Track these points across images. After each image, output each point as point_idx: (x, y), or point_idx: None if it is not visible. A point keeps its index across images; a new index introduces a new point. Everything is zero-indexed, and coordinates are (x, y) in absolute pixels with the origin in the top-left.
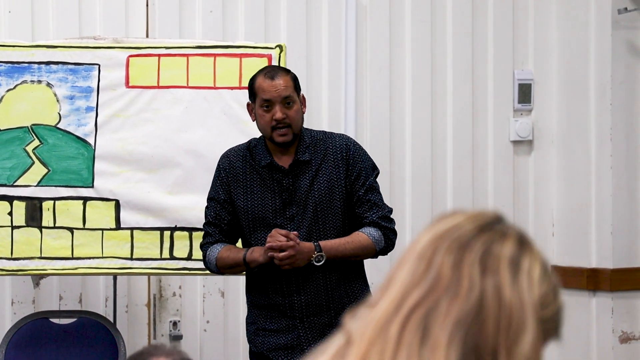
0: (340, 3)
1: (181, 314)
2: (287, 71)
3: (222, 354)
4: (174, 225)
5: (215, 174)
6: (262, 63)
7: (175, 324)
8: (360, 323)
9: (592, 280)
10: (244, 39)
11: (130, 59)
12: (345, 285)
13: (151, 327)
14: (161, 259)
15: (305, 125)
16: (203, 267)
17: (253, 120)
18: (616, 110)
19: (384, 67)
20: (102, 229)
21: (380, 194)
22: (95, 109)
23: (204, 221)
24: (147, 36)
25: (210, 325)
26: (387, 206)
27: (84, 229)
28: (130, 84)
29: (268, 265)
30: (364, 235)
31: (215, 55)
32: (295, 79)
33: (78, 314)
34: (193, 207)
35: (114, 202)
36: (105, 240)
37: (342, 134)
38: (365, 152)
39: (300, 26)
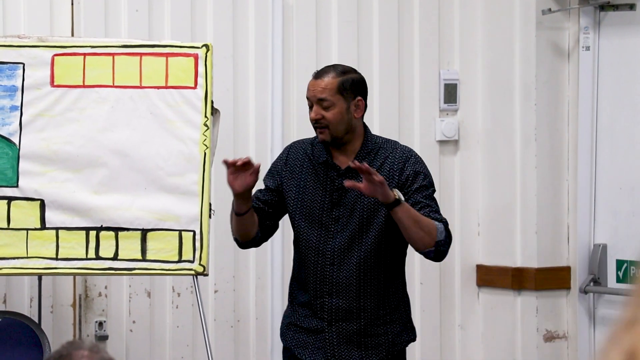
0: (267, 3)
1: (107, 315)
2: (340, 73)
3: (148, 354)
4: (99, 225)
5: (274, 161)
6: (189, 62)
7: (101, 324)
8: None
9: (517, 279)
10: (170, 39)
11: (55, 57)
12: (381, 297)
13: (77, 328)
14: (87, 259)
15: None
16: (129, 267)
17: None
18: (540, 111)
19: (310, 66)
20: (27, 229)
21: (439, 207)
22: (19, 108)
23: (130, 220)
24: (72, 35)
25: (136, 326)
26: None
27: (8, 229)
28: (55, 83)
29: (306, 264)
30: (432, 220)
31: (141, 54)
32: (343, 82)
33: (2, 314)
34: (119, 206)
35: (39, 201)
36: (30, 240)
37: (407, 147)
38: (426, 167)
39: (226, 26)
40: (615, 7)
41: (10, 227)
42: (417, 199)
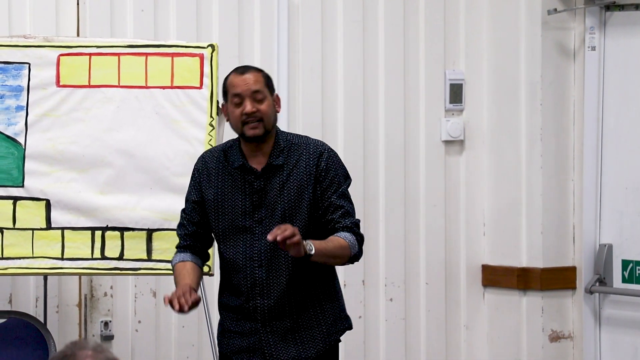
0: (272, 3)
1: (112, 314)
2: (259, 69)
3: (154, 354)
4: (105, 225)
5: (191, 175)
6: (194, 62)
7: (106, 324)
8: None
9: (523, 279)
10: (176, 39)
11: (61, 57)
12: (311, 293)
13: (82, 328)
14: (92, 259)
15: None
16: (134, 267)
17: (227, 121)
18: (546, 111)
19: (315, 66)
20: (33, 229)
21: (352, 203)
22: (25, 108)
23: (135, 220)
24: (77, 35)
25: (141, 326)
26: (356, 216)
27: (14, 228)
28: (60, 83)
29: (236, 269)
30: (341, 239)
31: (146, 54)
32: (267, 78)
33: (8, 314)
34: (124, 206)
35: (44, 201)
36: (36, 240)
37: (319, 140)
38: (339, 160)
39: (232, 26)
40: (621, 7)
41: (16, 227)
42: (330, 200)
